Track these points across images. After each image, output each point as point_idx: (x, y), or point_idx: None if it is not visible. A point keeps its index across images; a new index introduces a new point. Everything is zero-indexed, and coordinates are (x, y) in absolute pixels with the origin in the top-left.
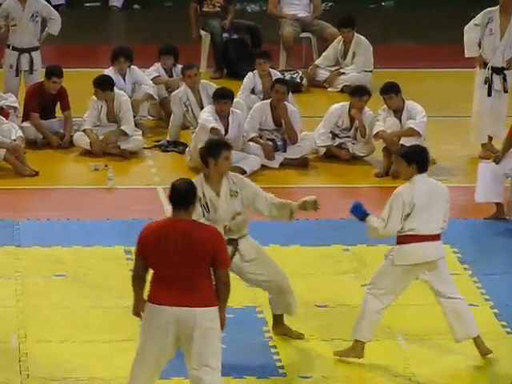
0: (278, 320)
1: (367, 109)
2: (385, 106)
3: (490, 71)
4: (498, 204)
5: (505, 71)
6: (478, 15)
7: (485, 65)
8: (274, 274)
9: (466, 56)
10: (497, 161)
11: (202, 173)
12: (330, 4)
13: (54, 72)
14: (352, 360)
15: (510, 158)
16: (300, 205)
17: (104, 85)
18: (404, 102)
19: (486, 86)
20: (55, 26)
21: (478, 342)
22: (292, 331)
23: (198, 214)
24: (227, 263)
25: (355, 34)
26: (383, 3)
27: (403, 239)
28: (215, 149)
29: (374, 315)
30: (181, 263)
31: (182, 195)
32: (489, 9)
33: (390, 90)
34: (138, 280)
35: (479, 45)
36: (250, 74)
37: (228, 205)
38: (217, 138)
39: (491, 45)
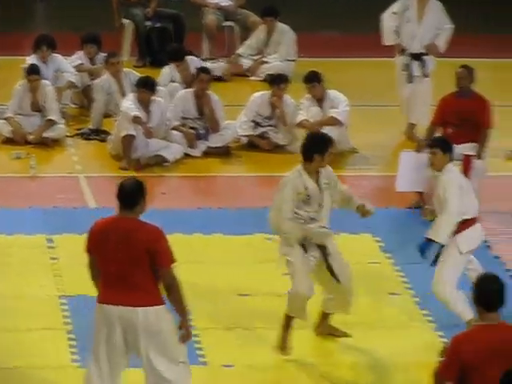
0: (326, 319)
1: (288, 97)
2: (308, 95)
3: (409, 58)
4: (419, 193)
5: (423, 57)
6: (395, 3)
7: (403, 52)
8: (346, 273)
9: (384, 44)
10: (419, 150)
11: (301, 166)
12: None
13: None
14: (271, 348)
15: None
16: (359, 206)
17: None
18: (326, 91)
19: (406, 73)
20: None
21: None
22: (339, 330)
23: (298, 208)
24: (168, 262)
25: (278, 22)
26: None
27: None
28: (323, 145)
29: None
30: (121, 261)
31: (129, 194)
32: None
33: (313, 79)
34: (94, 277)
35: (397, 32)
36: (166, 67)
37: (328, 197)
38: (320, 133)
39: (409, 32)
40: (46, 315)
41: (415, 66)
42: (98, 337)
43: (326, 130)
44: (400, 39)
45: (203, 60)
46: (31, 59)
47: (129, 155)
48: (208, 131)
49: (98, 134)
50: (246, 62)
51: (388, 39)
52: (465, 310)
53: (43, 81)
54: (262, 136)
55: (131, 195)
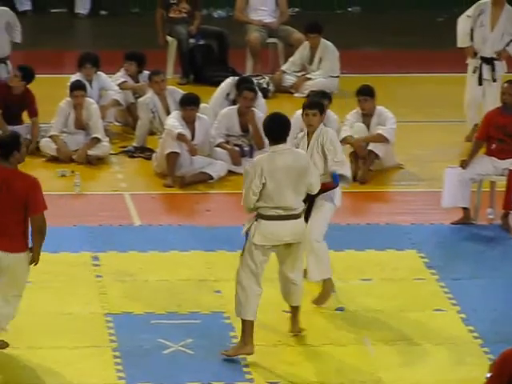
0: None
1: (331, 113)
2: (353, 111)
3: (479, 61)
4: (464, 209)
5: (494, 61)
6: (471, 7)
7: (475, 55)
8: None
9: (458, 46)
10: (464, 166)
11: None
12: (296, 9)
13: (18, 66)
14: (320, 365)
15: (476, 163)
16: None
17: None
18: (375, 107)
19: (476, 75)
20: (19, 35)
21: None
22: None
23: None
24: (40, 209)
25: (321, 39)
26: (350, 9)
27: None
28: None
29: None
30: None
31: (2, 146)
32: (481, 1)
33: (367, 93)
34: None
35: (471, 36)
36: (228, 80)
37: None
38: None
39: (481, 36)
40: (92, 333)
41: (485, 69)
42: None
43: (372, 146)
44: (472, 42)
45: (247, 77)
46: (75, 77)
47: (173, 173)
48: (252, 148)
49: (143, 152)
50: (290, 79)
51: (462, 41)
52: (328, 267)
53: (88, 99)
54: None
55: (5, 146)
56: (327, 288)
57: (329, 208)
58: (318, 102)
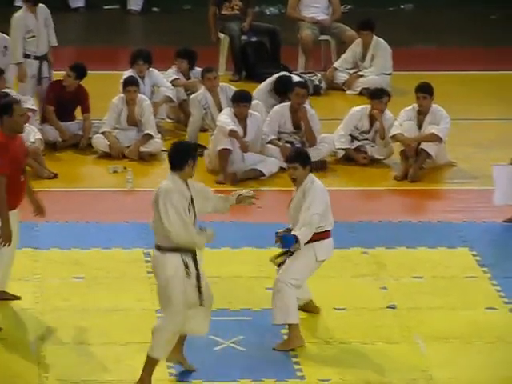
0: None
1: (388, 111)
2: (408, 107)
3: None
4: None
5: None
6: None
7: None
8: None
9: None
10: None
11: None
12: (348, 6)
13: (71, 66)
14: (371, 363)
15: None
16: (237, 198)
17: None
18: (431, 105)
19: None
20: (54, 37)
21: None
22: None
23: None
24: None
25: (374, 36)
26: (402, 6)
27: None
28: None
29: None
30: None
31: None
32: None
33: (427, 90)
34: None
35: None
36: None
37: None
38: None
39: None
40: (143, 329)
41: None
42: None
43: (424, 145)
44: None
45: (299, 74)
46: (128, 74)
47: (225, 169)
48: (304, 145)
49: None
50: (342, 76)
51: None
52: (293, 313)
53: (140, 95)
54: (358, 150)
55: None
56: (292, 334)
57: (307, 257)
58: None
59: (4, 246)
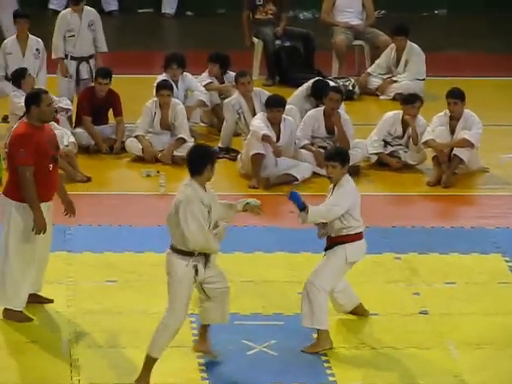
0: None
1: (421, 117)
2: (440, 113)
3: None
4: None
5: None
6: None
7: None
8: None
9: None
10: None
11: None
12: (382, 12)
13: (99, 73)
14: (403, 368)
15: None
16: (243, 207)
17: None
18: (463, 111)
19: None
20: (103, 43)
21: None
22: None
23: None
24: (19, 161)
25: (408, 41)
26: (436, 11)
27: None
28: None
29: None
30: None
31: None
32: None
33: (458, 96)
34: None
35: None
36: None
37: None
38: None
39: None
40: None
41: None
42: None
43: (456, 150)
44: None
45: (333, 79)
46: (162, 78)
47: (258, 174)
48: None
49: (228, 153)
50: (376, 81)
51: None
52: (321, 318)
53: (174, 99)
54: (391, 155)
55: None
56: (321, 339)
57: (338, 258)
58: None
59: (38, 234)
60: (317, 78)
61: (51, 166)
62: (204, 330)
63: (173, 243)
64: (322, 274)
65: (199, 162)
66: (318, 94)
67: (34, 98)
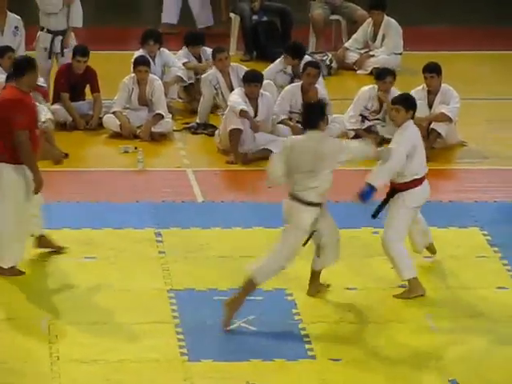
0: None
1: (395, 91)
2: (418, 88)
3: None
4: None
5: None
6: None
7: None
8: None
9: None
10: None
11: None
12: None
13: (77, 51)
14: (382, 342)
15: None
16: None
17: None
18: (440, 85)
19: None
20: (78, 19)
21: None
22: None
23: None
24: (18, 126)
25: (385, 16)
26: None
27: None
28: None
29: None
30: None
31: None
32: None
33: (434, 70)
34: None
35: None
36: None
37: None
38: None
39: None
40: (155, 309)
41: None
42: None
43: (434, 124)
44: None
45: (310, 54)
46: (139, 53)
47: (236, 149)
48: None
49: (206, 128)
50: (353, 56)
51: None
52: (405, 268)
53: (151, 75)
54: (369, 130)
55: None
56: (412, 287)
57: (400, 207)
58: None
59: (37, 193)
60: (293, 42)
61: (37, 131)
62: (316, 275)
63: (297, 196)
64: (391, 225)
65: (316, 115)
66: (297, 55)
67: (30, 64)
